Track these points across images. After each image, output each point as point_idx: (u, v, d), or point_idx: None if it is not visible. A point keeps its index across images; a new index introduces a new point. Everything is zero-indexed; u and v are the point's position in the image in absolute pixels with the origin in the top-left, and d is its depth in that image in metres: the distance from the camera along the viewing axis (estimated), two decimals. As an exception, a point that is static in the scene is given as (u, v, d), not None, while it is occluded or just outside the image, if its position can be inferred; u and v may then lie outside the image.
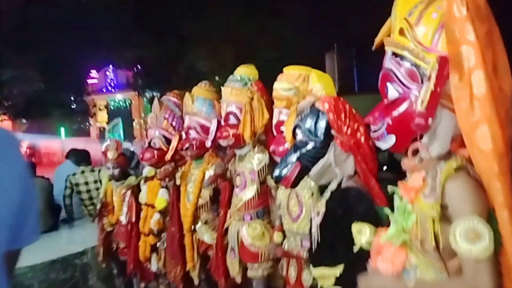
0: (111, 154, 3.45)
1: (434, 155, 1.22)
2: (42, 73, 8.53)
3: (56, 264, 3.74)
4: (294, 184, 1.72)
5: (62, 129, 20.05)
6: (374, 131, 1.34)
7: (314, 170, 1.68)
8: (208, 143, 2.74)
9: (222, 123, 2.57)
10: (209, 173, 2.71)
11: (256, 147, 2.48)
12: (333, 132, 1.66)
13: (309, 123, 1.69)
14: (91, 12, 9.21)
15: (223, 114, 2.57)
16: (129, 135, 12.80)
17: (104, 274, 3.82)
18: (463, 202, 1.13)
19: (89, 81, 19.00)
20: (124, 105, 19.40)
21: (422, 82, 1.21)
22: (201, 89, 2.85)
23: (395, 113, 1.27)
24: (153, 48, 9.67)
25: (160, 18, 9.12)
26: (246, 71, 2.55)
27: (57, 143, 18.23)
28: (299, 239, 2.04)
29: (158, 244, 3.16)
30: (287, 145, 1.92)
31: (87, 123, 19.38)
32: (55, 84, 10.63)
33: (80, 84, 15.15)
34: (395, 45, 1.27)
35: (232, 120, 2.50)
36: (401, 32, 1.25)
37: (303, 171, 1.69)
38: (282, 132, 2.08)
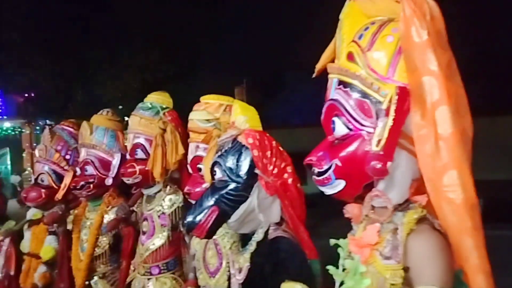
0: (-17, 192, 2.86)
1: (393, 204, 1.02)
2: None
3: None
4: (210, 233, 1.44)
5: None
6: (318, 175, 1.12)
7: (235, 216, 1.43)
8: (109, 181, 2.39)
9: (128, 157, 2.21)
10: (109, 217, 2.31)
11: (168, 187, 2.17)
12: (257, 171, 1.43)
13: (230, 160, 1.44)
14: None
15: (128, 147, 2.22)
16: (17, 167, 11.46)
17: None
18: (427, 265, 0.94)
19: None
20: (13, 133, 17.48)
21: (377, 117, 1.02)
22: (102, 118, 2.48)
23: (345, 153, 1.05)
24: (48, 72, 8.83)
25: (57, 39, 8.38)
26: (158, 99, 2.24)
27: None
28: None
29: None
30: (206, 185, 1.64)
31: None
32: None
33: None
34: (342, 72, 1.07)
35: (140, 154, 2.16)
36: (350, 57, 1.07)
37: (221, 218, 1.42)
38: (200, 170, 1.80)
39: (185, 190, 1.86)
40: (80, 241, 2.43)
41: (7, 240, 2.73)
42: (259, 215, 1.43)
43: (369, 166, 0.99)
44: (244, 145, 1.44)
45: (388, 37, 1.03)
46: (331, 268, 1.16)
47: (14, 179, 10.79)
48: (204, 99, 1.88)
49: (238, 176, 1.43)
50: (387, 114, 0.99)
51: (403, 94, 0.99)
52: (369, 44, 1.04)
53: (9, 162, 15.30)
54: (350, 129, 1.06)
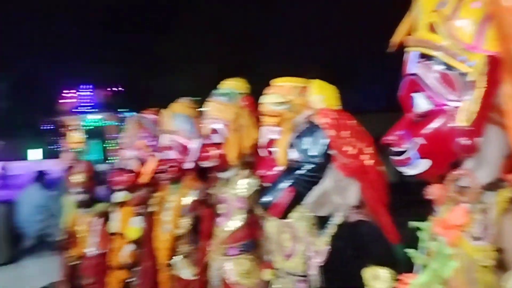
0: (78, 178, 3.11)
1: (482, 183, 0.96)
2: (9, 94, 8.12)
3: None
4: (285, 213, 1.44)
5: (32, 151, 19.31)
6: (398, 154, 1.07)
7: (310, 198, 1.40)
8: (188, 165, 2.45)
9: (205, 142, 2.28)
10: (188, 199, 2.40)
11: (244, 171, 2.20)
12: (332, 152, 1.39)
13: (304, 141, 1.42)
14: (66, 30, 8.90)
15: (205, 133, 2.28)
16: (107, 156, 12.34)
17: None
18: None
19: (64, 101, 18.45)
20: (99, 125, 18.87)
21: (462, 90, 0.95)
22: (182, 106, 2.58)
23: (429, 130, 1.00)
24: (131, 67, 9.38)
25: (139, 38, 8.88)
26: (234, 85, 2.28)
27: (27, 165, 17.50)
28: (294, 280, 1.74)
29: (131, 280, 2.80)
30: (278, 168, 1.64)
31: (60, 145, 18.69)
32: (25, 105, 10.19)
33: (53, 105, 14.67)
34: (423, 44, 1.01)
35: (216, 139, 2.21)
36: (431, 27, 1.00)
37: (297, 199, 1.41)
38: (271, 153, 1.81)
39: (258, 173, 1.89)
40: (162, 222, 2.56)
41: (97, 221, 2.97)
42: (334, 197, 1.40)
43: (456, 143, 0.93)
44: (318, 125, 1.42)
45: (474, 3, 0.96)
46: (411, 251, 1.12)
47: (103, 166, 11.68)
48: (276, 82, 1.88)
49: (313, 157, 1.41)
50: (475, 86, 0.92)
51: (494, 63, 0.91)
52: (452, 12, 0.97)
53: (96, 151, 16.60)
54: (433, 105, 1.00)
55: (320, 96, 1.48)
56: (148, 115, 2.93)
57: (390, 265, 1.20)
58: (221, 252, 2.21)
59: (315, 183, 1.41)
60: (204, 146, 2.27)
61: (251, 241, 2.18)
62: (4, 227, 4.46)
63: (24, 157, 18.27)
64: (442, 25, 0.97)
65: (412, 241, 1.16)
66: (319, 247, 1.45)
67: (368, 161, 1.41)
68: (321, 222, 1.53)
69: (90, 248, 2.98)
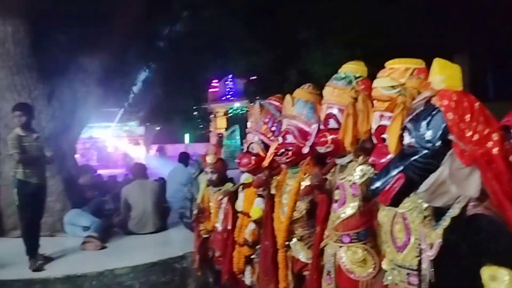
0: (210, 159, 3.38)
1: None
2: (166, 82, 9.13)
3: (156, 267, 3.78)
4: (395, 201, 1.35)
5: (187, 135, 21.48)
6: None
7: (424, 186, 1.29)
8: (306, 150, 2.46)
9: (321, 127, 2.27)
10: (305, 183, 2.42)
11: (360, 157, 2.12)
12: (451, 137, 1.26)
13: (420, 124, 1.31)
14: (211, 24, 9.61)
15: (322, 118, 2.26)
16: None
17: (203, 281, 3.75)
18: None
19: (211, 90, 20.08)
20: (241, 112, 20.08)
21: None
22: (303, 91, 2.59)
23: None
24: (267, 56, 9.71)
25: (273, 27, 9.13)
26: (352, 68, 2.21)
27: (181, 147, 19.61)
28: (405, 273, 1.63)
29: (253, 256, 2.97)
30: (391, 156, 1.54)
31: (208, 130, 20.49)
32: (179, 92, 11.33)
33: (202, 93, 16.02)
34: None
35: (332, 124, 2.18)
36: None
37: (408, 186, 1.32)
38: (384, 140, 1.70)
39: (370, 161, 1.80)
40: (281, 204, 2.61)
41: (225, 199, 3.19)
42: (451, 187, 1.26)
43: None
44: (437, 108, 1.29)
45: None
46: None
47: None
48: (389, 64, 1.76)
49: (428, 142, 1.30)
50: None
51: None
52: None
53: (238, 137, 17.74)
54: None
55: (441, 76, 1.33)
56: (273, 101, 3.01)
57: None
58: (335, 238, 2.19)
59: (430, 170, 1.30)
60: (321, 131, 2.26)
61: (366, 230, 2.10)
62: (156, 202, 5.08)
63: (178, 140, 20.56)
64: None
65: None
66: (432, 240, 1.34)
67: (493, 149, 1.24)
68: (438, 213, 1.40)
69: (219, 224, 3.23)
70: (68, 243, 4.50)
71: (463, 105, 1.27)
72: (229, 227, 3.11)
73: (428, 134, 1.34)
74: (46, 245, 4.19)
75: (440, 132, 1.32)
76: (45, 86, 5.38)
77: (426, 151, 1.34)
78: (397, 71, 1.71)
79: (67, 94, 5.57)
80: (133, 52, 7.39)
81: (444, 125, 1.29)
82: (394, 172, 1.40)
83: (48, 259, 3.94)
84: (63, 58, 5.78)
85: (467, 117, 1.26)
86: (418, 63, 1.70)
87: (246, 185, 3.06)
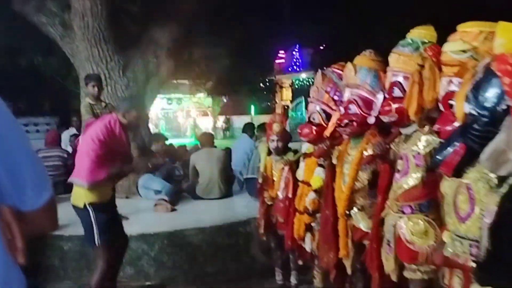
0: (277, 127, 3.43)
1: None
2: (233, 53, 9.24)
3: (222, 230, 3.97)
4: (457, 171, 1.31)
5: (252, 107, 21.73)
6: None
7: (484, 155, 1.24)
8: (371, 120, 2.42)
9: (386, 95, 2.21)
10: (368, 153, 2.39)
11: (425, 127, 2.06)
12: (509, 102, 1.20)
13: (479, 91, 1.25)
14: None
15: (387, 85, 2.21)
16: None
17: (265, 246, 3.88)
18: None
19: (277, 61, 19.95)
20: (308, 84, 19.80)
21: None
22: (365, 59, 2.52)
23: None
24: (334, 26, 9.44)
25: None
26: (420, 33, 2.12)
27: (247, 119, 19.94)
28: (467, 244, 1.59)
29: (313, 224, 3.02)
30: (457, 124, 1.49)
31: (273, 101, 20.56)
32: (246, 63, 11.42)
33: (268, 64, 16.00)
34: None
35: (397, 93, 2.13)
36: None
37: (469, 156, 1.27)
38: (451, 107, 1.63)
39: (435, 128, 1.75)
40: (343, 174, 2.60)
41: (286, 168, 3.24)
42: (510, 154, 1.21)
43: None
44: (495, 73, 1.23)
45: None
46: None
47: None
48: (461, 27, 1.66)
49: (486, 109, 1.24)
50: None
51: None
52: None
53: (303, 109, 17.65)
54: None
55: (501, 39, 1.25)
56: (336, 69, 2.96)
57: None
58: (396, 209, 2.16)
59: (490, 138, 1.25)
60: (385, 100, 2.21)
61: (428, 201, 2.07)
62: (222, 169, 5.27)
63: (246, 112, 20.86)
64: None
65: None
66: (489, 206, 1.29)
67: None
68: (502, 181, 1.34)
69: (280, 192, 3.30)
70: (142, 205, 4.83)
71: None
72: (290, 195, 3.17)
73: (486, 101, 1.29)
74: (123, 206, 4.53)
75: (497, 99, 1.26)
76: (120, 57, 5.68)
77: (485, 119, 1.29)
78: (470, 35, 1.62)
79: (140, 65, 5.85)
80: (201, 24, 7.53)
81: (502, 90, 1.23)
82: (455, 142, 1.36)
83: (124, 218, 4.28)
84: (136, 31, 6.04)
85: None
86: (493, 26, 1.59)
87: (307, 155, 3.08)
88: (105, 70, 5.51)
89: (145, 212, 4.55)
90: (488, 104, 1.27)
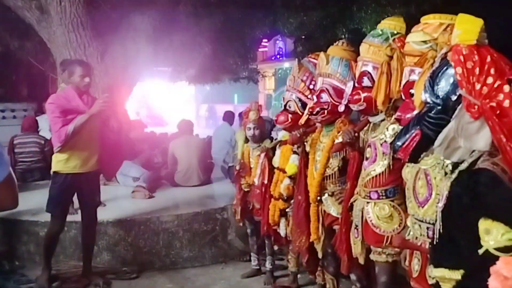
0: (253, 115, 3.47)
1: None
2: (215, 40, 9.16)
3: (199, 216, 4.01)
4: (413, 156, 1.39)
5: (235, 96, 21.67)
6: None
7: (437, 141, 1.31)
8: (341, 108, 2.49)
9: (356, 85, 2.28)
10: (338, 141, 2.46)
11: (392, 116, 2.13)
12: (461, 91, 1.25)
13: (434, 80, 1.32)
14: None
15: (356, 75, 2.27)
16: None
17: (242, 232, 3.95)
18: None
19: (260, 49, 19.88)
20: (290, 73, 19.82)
21: None
22: (338, 48, 2.59)
23: None
24: (316, 15, 9.45)
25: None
26: (390, 25, 2.19)
27: (230, 108, 19.87)
28: (425, 227, 1.68)
29: (287, 210, 3.10)
30: (416, 112, 1.56)
31: (256, 90, 20.57)
32: (228, 51, 11.34)
33: (251, 53, 15.89)
34: None
35: (366, 82, 2.20)
36: None
37: (424, 142, 1.35)
38: (412, 95, 1.71)
39: (395, 116, 1.82)
40: (315, 161, 2.68)
41: (262, 155, 3.30)
42: (460, 141, 1.28)
43: None
44: (450, 63, 1.29)
45: None
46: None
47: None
48: (424, 19, 1.73)
49: (439, 97, 1.31)
50: None
51: None
52: None
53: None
54: None
55: (458, 30, 1.31)
56: (312, 58, 3.01)
57: (509, 220, 1.07)
58: (364, 194, 2.25)
59: (443, 126, 1.31)
60: (355, 89, 2.28)
61: (394, 187, 2.15)
62: (201, 157, 5.30)
63: (229, 101, 20.79)
64: None
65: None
66: (443, 192, 1.37)
67: (504, 101, 1.19)
68: (455, 168, 1.41)
69: (256, 179, 3.36)
70: (120, 191, 4.84)
71: (473, 59, 1.24)
72: (266, 181, 3.23)
73: (440, 90, 1.35)
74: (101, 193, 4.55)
75: (450, 87, 1.33)
76: (99, 43, 5.61)
77: (438, 107, 1.36)
78: (431, 26, 1.69)
79: (119, 52, 5.79)
80: (183, 10, 7.45)
81: (455, 80, 1.29)
82: (412, 129, 1.43)
83: (102, 205, 4.29)
84: (115, 16, 5.96)
85: (477, 70, 1.23)
86: (454, 19, 1.66)
87: (282, 142, 3.14)
88: (83, 56, 5.44)
89: (122, 199, 4.56)
90: (441, 93, 1.33)
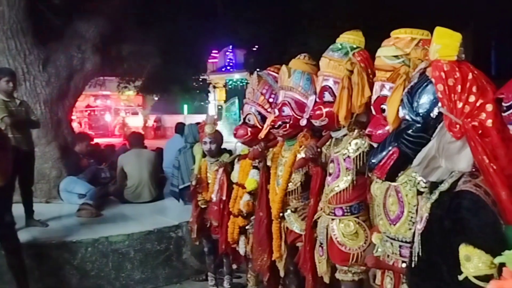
0: (209, 129, 3.35)
1: None
2: (164, 50, 8.96)
3: (152, 235, 3.81)
4: (390, 175, 1.34)
5: (185, 106, 21.39)
6: (507, 109, 0.90)
7: (416, 160, 1.27)
8: (303, 122, 2.43)
9: (317, 99, 2.24)
10: (301, 156, 2.41)
11: (355, 131, 2.11)
12: (441, 109, 1.21)
13: (413, 97, 1.28)
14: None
15: (317, 90, 2.23)
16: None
17: (198, 250, 3.80)
18: None
19: (210, 60, 19.81)
20: (241, 84, 19.89)
21: None
22: (299, 62, 2.55)
23: None
24: (267, 27, 9.54)
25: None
26: (349, 39, 2.16)
27: (180, 118, 19.53)
28: (398, 246, 1.64)
29: (247, 227, 2.99)
30: (389, 127, 1.52)
31: (206, 101, 20.42)
32: (178, 62, 11.16)
33: (201, 63, 15.79)
34: None
35: (327, 97, 2.15)
36: None
37: (402, 160, 1.30)
38: (383, 111, 1.67)
39: (366, 131, 1.78)
40: (277, 176, 2.61)
41: (221, 170, 3.19)
42: (441, 161, 1.24)
43: None
44: (430, 80, 1.26)
45: None
46: None
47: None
48: (394, 33, 1.71)
49: (419, 115, 1.28)
50: None
51: None
52: None
53: (237, 110, 17.66)
54: None
55: (437, 45, 1.27)
56: (272, 72, 2.96)
57: (491, 247, 1.03)
58: (328, 211, 2.19)
59: (423, 144, 1.27)
60: (316, 104, 2.23)
61: (358, 203, 2.12)
62: (152, 171, 5.08)
63: (178, 111, 20.44)
64: None
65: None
66: (422, 213, 1.32)
67: (487, 121, 1.15)
68: (435, 188, 1.37)
69: (214, 195, 3.24)
70: (64, 210, 4.52)
71: (455, 76, 1.20)
72: (224, 197, 3.12)
73: (420, 107, 1.32)
74: (42, 211, 4.21)
75: (431, 105, 1.30)
76: (41, 51, 5.27)
77: (418, 125, 1.33)
78: (402, 41, 1.67)
79: (63, 60, 5.48)
80: (131, 19, 7.22)
81: (435, 97, 1.26)
82: (389, 147, 1.39)
83: (43, 225, 3.97)
84: (59, 23, 5.65)
85: (458, 88, 1.19)
86: (425, 34, 1.65)
87: (241, 157, 3.04)
88: (23, 64, 5.09)
89: (67, 218, 4.26)
90: (421, 110, 1.30)
